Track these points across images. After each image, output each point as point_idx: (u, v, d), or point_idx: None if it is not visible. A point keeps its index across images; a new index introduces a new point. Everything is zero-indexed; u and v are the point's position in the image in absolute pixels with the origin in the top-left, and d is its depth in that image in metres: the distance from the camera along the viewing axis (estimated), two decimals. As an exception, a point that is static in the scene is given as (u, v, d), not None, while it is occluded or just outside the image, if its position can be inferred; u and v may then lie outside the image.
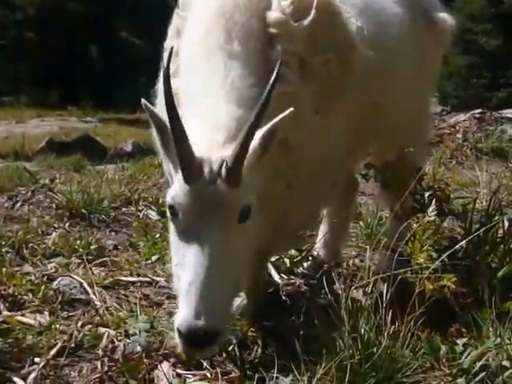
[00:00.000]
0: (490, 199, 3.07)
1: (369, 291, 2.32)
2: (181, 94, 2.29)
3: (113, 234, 4.39)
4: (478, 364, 2.10)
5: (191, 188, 2.02)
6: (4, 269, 3.17)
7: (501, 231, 2.81)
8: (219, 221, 2.02)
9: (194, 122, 2.13)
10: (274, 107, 2.09)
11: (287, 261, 3.29)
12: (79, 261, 3.54)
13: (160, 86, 2.37)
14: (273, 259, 3.17)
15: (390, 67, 2.74)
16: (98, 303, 2.90)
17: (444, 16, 3.35)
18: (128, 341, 2.44)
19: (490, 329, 2.31)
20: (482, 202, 4.16)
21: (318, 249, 3.48)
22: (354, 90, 2.50)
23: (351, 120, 2.56)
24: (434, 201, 2.72)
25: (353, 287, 2.32)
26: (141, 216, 4.59)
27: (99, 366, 2.33)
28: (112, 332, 2.55)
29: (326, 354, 2.04)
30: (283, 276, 3.21)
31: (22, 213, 4.69)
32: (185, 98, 2.29)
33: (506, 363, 2.11)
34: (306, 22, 2.41)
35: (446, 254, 2.47)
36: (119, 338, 2.50)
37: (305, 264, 3.32)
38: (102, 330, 2.59)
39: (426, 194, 2.83)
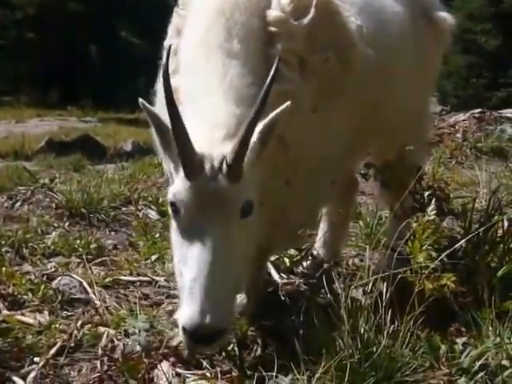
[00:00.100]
0: (489, 199, 3.08)
1: (368, 290, 2.32)
2: (180, 92, 2.29)
3: (112, 233, 4.39)
4: (478, 363, 2.10)
5: (193, 184, 2.03)
6: (4, 268, 3.17)
7: (500, 231, 2.81)
8: (221, 216, 2.02)
9: (193, 121, 2.13)
10: (273, 105, 2.10)
11: (287, 260, 3.29)
12: (79, 260, 3.55)
13: (159, 84, 2.37)
14: (272, 258, 3.17)
15: (389, 66, 2.74)
16: (97, 302, 2.90)
17: (444, 15, 3.35)
18: (127, 340, 2.44)
19: (490, 328, 2.31)
20: (481, 202, 4.16)
21: (318, 248, 3.47)
22: (353, 88, 2.50)
23: (351, 118, 2.56)
24: (433, 200, 2.72)
25: (352, 286, 2.32)
26: (140, 215, 4.59)
27: (99, 365, 2.33)
28: (112, 331, 2.55)
29: (326, 353, 2.04)
30: (283, 275, 3.20)
31: (22, 212, 4.69)
32: (185, 97, 2.29)
33: (505, 362, 2.11)
34: (306, 20, 2.41)
35: (445, 254, 2.47)
36: (119, 337, 2.50)
37: (304, 263, 3.31)
38: (101, 329, 2.59)
39: (426, 194, 2.83)
